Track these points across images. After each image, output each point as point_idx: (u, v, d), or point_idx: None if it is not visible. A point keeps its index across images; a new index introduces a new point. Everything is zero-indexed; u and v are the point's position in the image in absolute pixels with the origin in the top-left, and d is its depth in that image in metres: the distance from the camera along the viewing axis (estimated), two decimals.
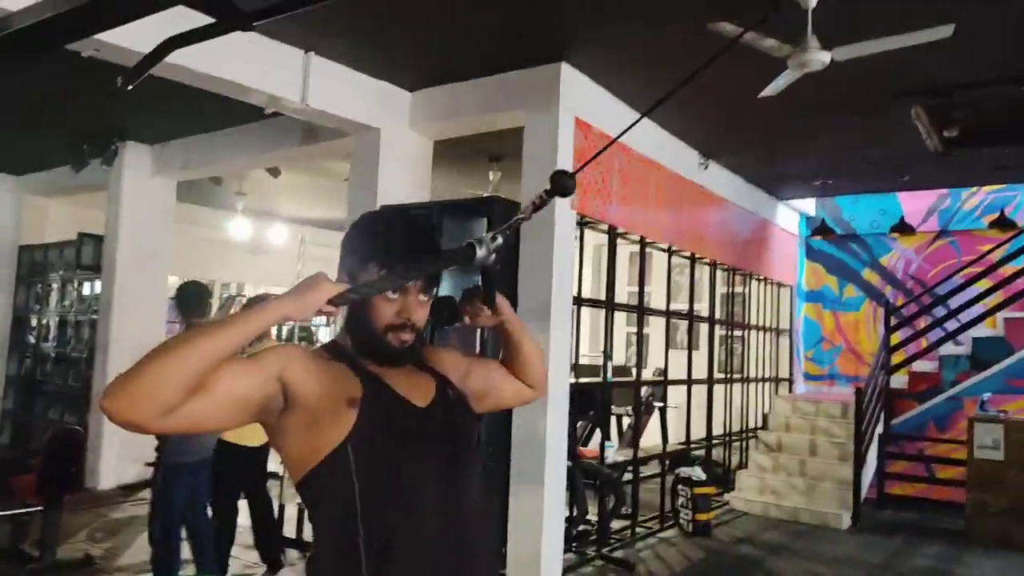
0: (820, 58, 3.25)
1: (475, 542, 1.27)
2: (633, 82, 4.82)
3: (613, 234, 5.32)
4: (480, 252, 1.21)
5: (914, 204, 8.05)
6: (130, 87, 2.24)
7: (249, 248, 10.01)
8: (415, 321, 1.32)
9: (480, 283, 1.43)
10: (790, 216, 8.42)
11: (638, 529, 5.60)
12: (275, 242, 10.33)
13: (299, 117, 4.92)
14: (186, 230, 8.53)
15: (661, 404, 6.50)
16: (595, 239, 5.77)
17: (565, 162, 4.55)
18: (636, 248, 5.88)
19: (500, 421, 4.38)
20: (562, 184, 1.24)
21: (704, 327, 6.88)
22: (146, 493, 5.56)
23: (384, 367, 1.31)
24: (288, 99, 4.54)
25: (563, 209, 4.55)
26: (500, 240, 1.22)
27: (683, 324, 6.65)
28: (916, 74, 4.43)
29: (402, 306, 1.30)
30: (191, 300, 4.02)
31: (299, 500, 1.31)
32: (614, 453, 5.45)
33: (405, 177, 5.23)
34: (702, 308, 7.02)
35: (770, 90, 3.73)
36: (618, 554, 5.06)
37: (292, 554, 4.66)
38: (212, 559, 3.93)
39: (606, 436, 5.51)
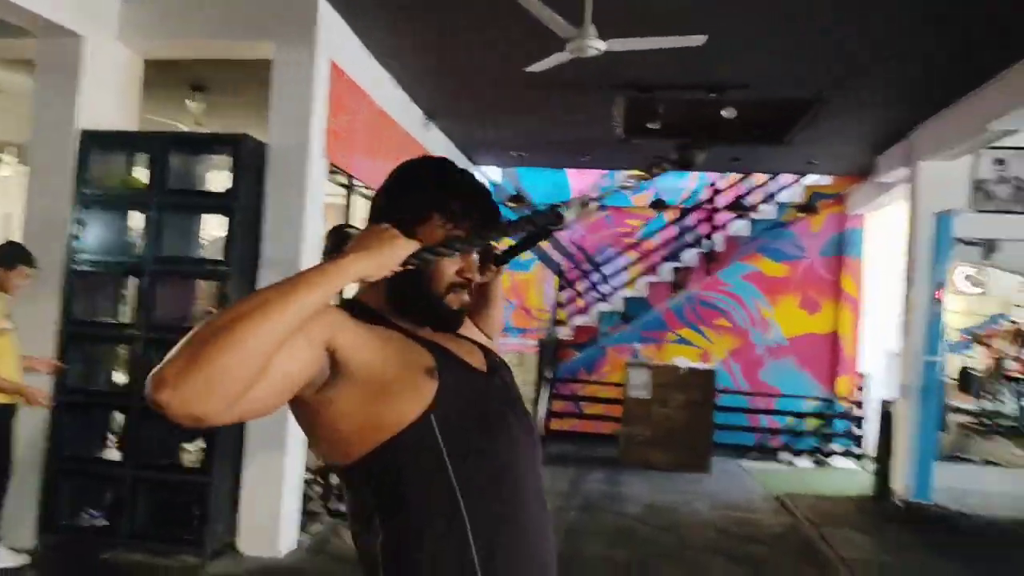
0: (596, 46, 3.59)
1: (547, 513, 1.23)
2: (385, 33, 4.74)
3: (351, 186, 5.21)
4: (568, 216, 1.17)
5: (580, 181, 9.23)
6: None
7: None
8: (476, 280, 1.23)
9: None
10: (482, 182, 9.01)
11: None
12: None
13: None
14: None
15: None
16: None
17: (320, 107, 4.33)
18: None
19: None
20: (689, 159, 1.26)
21: None
22: None
23: (436, 332, 1.20)
24: None
25: (316, 157, 4.33)
26: (593, 205, 1.22)
27: None
28: (626, 70, 5.10)
29: (465, 264, 1.20)
30: None
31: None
32: None
33: (111, 99, 4.44)
34: None
35: (539, 66, 4.00)
36: (343, 507, 5.08)
37: None
38: None
39: None
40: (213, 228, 4.87)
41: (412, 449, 1.08)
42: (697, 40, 3.53)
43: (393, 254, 1.07)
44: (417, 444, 1.08)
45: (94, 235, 4.18)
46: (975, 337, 8.10)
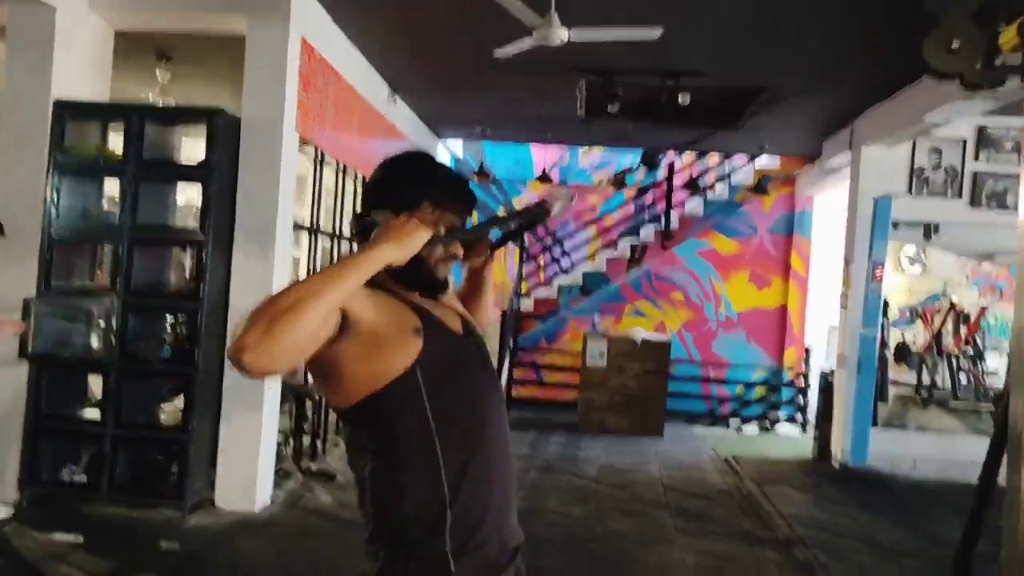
0: (561, 35, 3.81)
1: (512, 457, 1.49)
2: (355, 9, 4.88)
3: (321, 161, 5.37)
4: (555, 210, 1.43)
5: (541, 157, 9.45)
6: None
7: None
8: (459, 256, 1.47)
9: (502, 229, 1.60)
10: (444, 156, 9.18)
11: (323, 443, 5.88)
12: None
13: None
14: None
15: None
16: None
17: (291, 83, 4.48)
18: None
19: (212, 349, 4.24)
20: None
21: None
22: None
23: (424, 298, 1.43)
24: None
25: (288, 130, 4.48)
26: (574, 201, 1.47)
27: None
28: (587, 56, 5.31)
29: (451, 244, 1.44)
30: None
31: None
32: None
33: (83, 69, 4.51)
34: None
35: (503, 52, 4.21)
36: (315, 466, 5.31)
37: None
38: None
39: None
40: (187, 197, 4.99)
41: (400, 395, 1.33)
42: (654, 33, 3.78)
43: (414, 243, 1.30)
44: (404, 391, 1.33)
45: (70, 204, 4.29)
46: (915, 313, 8.60)
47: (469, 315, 1.60)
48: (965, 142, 6.30)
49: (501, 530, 1.39)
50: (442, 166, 1.48)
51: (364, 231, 1.40)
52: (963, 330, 8.12)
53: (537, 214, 1.46)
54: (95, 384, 4.42)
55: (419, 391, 1.32)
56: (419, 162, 1.47)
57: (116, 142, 4.41)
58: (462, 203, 1.43)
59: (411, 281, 1.42)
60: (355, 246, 1.52)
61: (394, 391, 1.32)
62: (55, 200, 4.21)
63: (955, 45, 2.86)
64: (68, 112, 4.27)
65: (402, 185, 1.42)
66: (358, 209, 1.50)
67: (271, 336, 1.13)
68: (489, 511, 1.36)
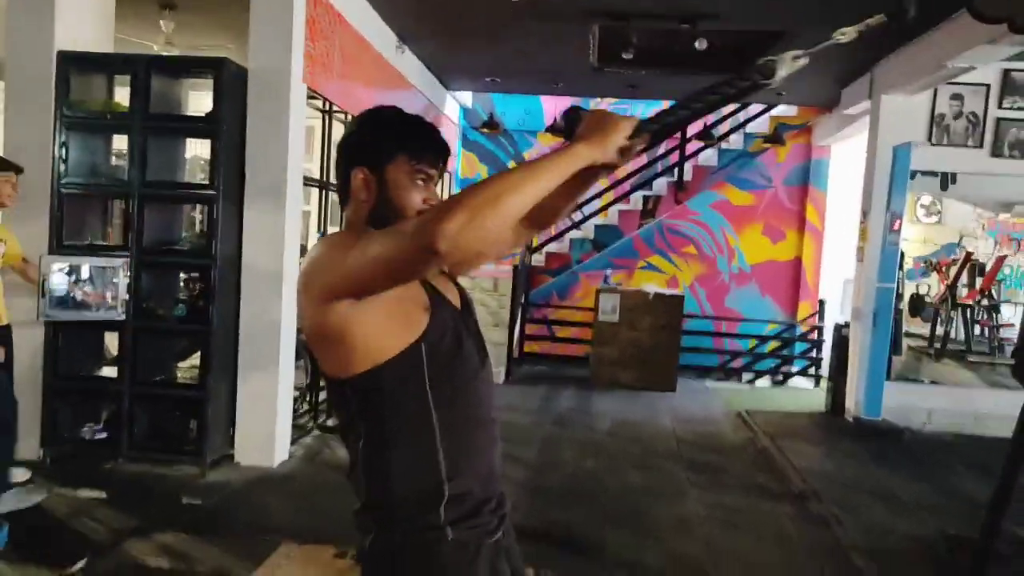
0: None
1: (496, 428, 1.46)
2: None
3: (329, 111, 5.27)
4: (780, 72, 1.15)
5: (552, 107, 9.28)
6: None
7: None
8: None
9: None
10: (453, 106, 9.02)
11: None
12: None
13: None
14: None
15: None
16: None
17: (299, 31, 4.36)
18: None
19: (227, 306, 4.22)
20: (905, 10, 1.22)
21: None
22: None
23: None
24: None
25: (296, 81, 4.38)
26: (805, 61, 1.19)
27: None
28: None
29: (429, 193, 1.37)
30: None
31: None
32: None
33: (87, 18, 4.41)
34: None
35: None
36: (331, 423, 5.34)
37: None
38: None
39: None
40: (195, 151, 4.92)
41: (402, 369, 1.29)
42: None
43: (616, 136, 1.25)
44: (407, 365, 1.29)
45: (78, 159, 4.23)
46: (930, 265, 8.51)
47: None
48: (989, 87, 6.12)
49: (492, 498, 1.39)
50: (413, 117, 1.44)
51: (571, 126, 1.28)
52: (978, 282, 8.05)
53: (755, 80, 1.18)
54: (111, 342, 4.42)
55: (421, 365, 1.30)
56: (390, 117, 1.43)
57: (122, 95, 4.32)
58: (436, 152, 1.39)
59: None
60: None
61: (397, 364, 1.29)
62: (64, 156, 4.15)
63: None
64: (73, 64, 4.18)
65: (377, 140, 1.39)
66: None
67: (472, 226, 1.10)
68: (480, 481, 1.36)
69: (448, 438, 1.32)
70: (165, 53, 6.06)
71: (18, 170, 3.72)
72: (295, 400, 4.87)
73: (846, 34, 1.19)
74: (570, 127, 1.26)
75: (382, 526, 1.33)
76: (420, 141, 1.39)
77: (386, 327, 1.27)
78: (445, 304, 1.37)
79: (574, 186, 1.38)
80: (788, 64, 1.18)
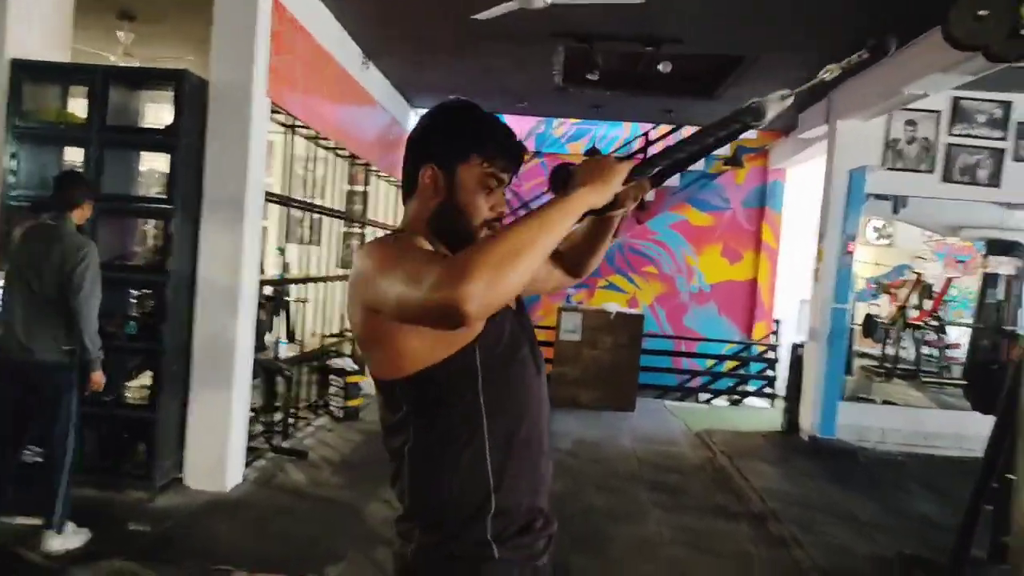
0: None
1: (548, 435, 1.39)
2: None
3: (292, 126, 5.19)
4: (770, 114, 1.18)
5: (516, 127, 9.30)
6: None
7: None
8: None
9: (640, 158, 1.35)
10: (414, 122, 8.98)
11: (294, 420, 5.78)
12: None
13: None
14: None
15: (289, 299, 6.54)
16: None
17: (262, 43, 4.29)
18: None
19: (180, 324, 4.10)
20: (885, 47, 1.24)
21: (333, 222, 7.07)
22: None
23: None
24: None
25: (259, 95, 4.31)
26: (791, 100, 1.21)
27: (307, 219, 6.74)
28: (567, 21, 5.19)
29: (497, 200, 1.34)
30: None
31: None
32: (286, 349, 5.48)
33: (41, 27, 4.26)
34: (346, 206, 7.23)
35: (487, 14, 4.07)
36: (286, 444, 5.21)
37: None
38: None
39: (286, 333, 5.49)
40: (151, 165, 4.80)
41: (455, 371, 1.25)
42: None
43: (614, 181, 1.23)
44: (460, 367, 1.25)
45: (29, 170, 4.08)
46: (881, 286, 8.72)
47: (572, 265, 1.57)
48: (939, 114, 6.31)
49: (541, 514, 1.33)
50: (490, 117, 1.36)
51: (563, 182, 1.26)
52: (927, 304, 8.26)
53: (747, 122, 1.21)
54: None
55: (474, 368, 1.25)
56: (467, 113, 1.36)
57: (77, 107, 4.18)
58: (511, 156, 1.34)
59: (458, 246, 1.27)
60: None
61: (450, 367, 1.24)
62: (14, 168, 4.00)
63: (982, 13, 2.80)
64: (26, 73, 4.03)
65: (449, 136, 1.32)
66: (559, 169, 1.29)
67: (495, 288, 1.07)
68: (529, 495, 1.31)
69: (498, 447, 1.26)
70: (123, 64, 5.92)
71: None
72: (250, 421, 4.74)
73: (831, 71, 1.21)
74: (561, 183, 1.26)
75: (425, 535, 1.27)
76: (497, 142, 1.32)
77: (435, 333, 1.21)
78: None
79: (595, 239, 1.53)
80: (776, 104, 1.21)
